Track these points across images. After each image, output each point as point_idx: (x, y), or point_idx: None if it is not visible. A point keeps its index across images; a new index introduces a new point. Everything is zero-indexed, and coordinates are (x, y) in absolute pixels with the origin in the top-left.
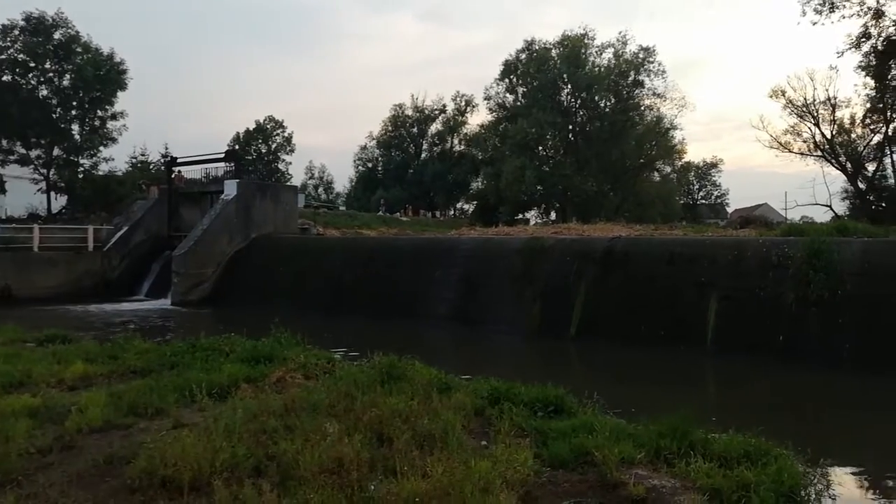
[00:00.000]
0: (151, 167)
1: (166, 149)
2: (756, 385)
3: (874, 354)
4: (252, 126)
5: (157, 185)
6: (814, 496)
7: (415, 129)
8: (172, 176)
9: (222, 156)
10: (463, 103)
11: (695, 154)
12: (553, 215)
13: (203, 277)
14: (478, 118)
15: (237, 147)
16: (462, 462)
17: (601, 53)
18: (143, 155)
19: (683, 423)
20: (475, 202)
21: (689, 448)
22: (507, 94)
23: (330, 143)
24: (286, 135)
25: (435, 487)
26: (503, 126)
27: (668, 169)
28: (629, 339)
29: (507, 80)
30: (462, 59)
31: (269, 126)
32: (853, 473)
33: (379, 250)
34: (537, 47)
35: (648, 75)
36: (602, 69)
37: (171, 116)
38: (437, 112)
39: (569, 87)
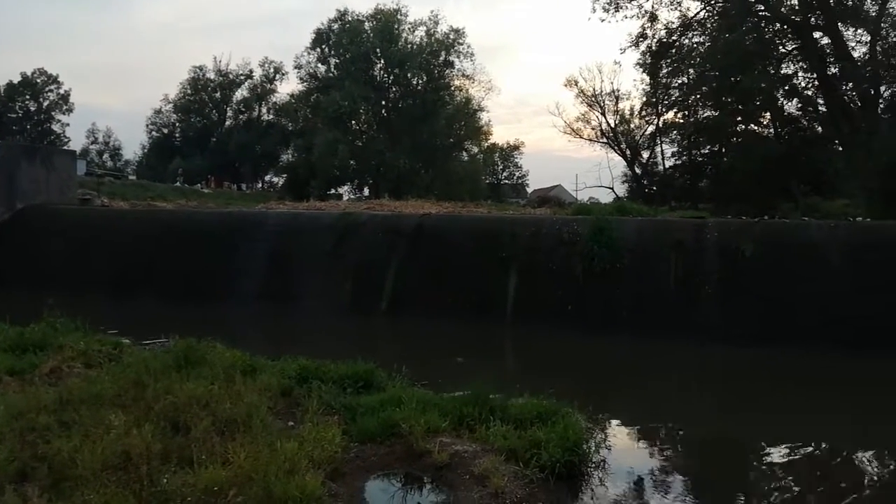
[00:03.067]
0: None
1: None
2: (550, 351)
3: (645, 321)
4: (17, 79)
5: None
6: (594, 448)
7: (218, 95)
8: None
9: None
10: (272, 70)
11: (500, 136)
12: (366, 191)
13: None
14: (288, 87)
15: None
16: (267, 445)
17: (414, 31)
18: None
19: (484, 390)
20: (285, 175)
21: (490, 413)
22: (320, 65)
23: (119, 106)
24: (62, 92)
25: (236, 474)
26: (315, 97)
27: (476, 149)
28: (438, 313)
29: (319, 50)
30: (271, 23)
31: (39, 80)
32: (625, 424)
33: (176, 224)
34: (350, 18)
35: (458, 56)
36: (415, 46)
37: None
38: (242, 77)
39: (382, 61)
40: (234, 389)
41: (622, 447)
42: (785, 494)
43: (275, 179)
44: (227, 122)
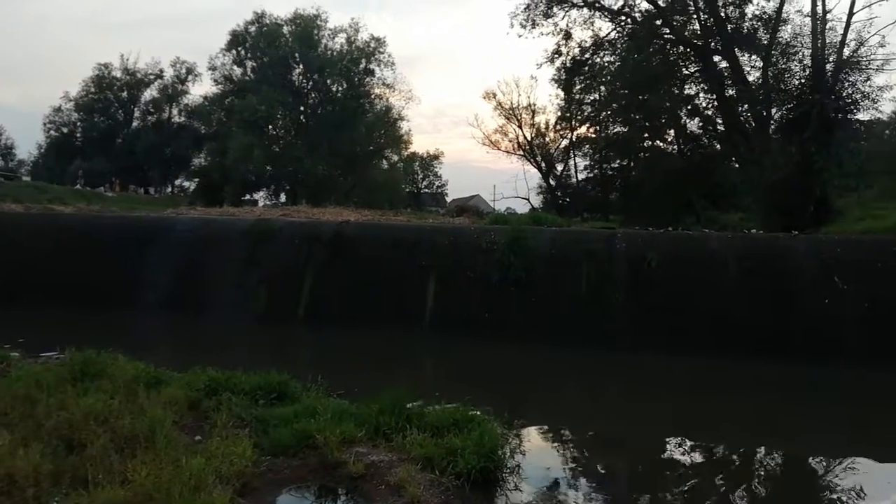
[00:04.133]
0: None
1: None
2: (467, 358)
3: (559, 328)
4: None
5: None
6: (509, 453)
7: (124, 94)
8: None
9: None
10: (184, 71)
11: (420, 145)
12: (283, 197)
13: None
14: (201, 89)
15: None
16: (171, 462)
17: (334, 37)
18: None
19: (401, 398)
20: (197, 179)
21: (407, 422)
22: (235, 67)
23: (13, 102)
24: None
25: (136, 494)
26: (230, 100)
27: (396, 158)
28: (356, 321)
29: (234, 52)
30: (184, 23)
31: None
32: (539, 429)
33: (77, 228)
34: (268, 21)
35: (379, 65)
36: (335, 53)
37: None
38: (152, 77)
39: (301, 67)
40: (137, 403)
41: (536, 452)
42: (684, 489)
43: (186, 184)
44: (135, 123)
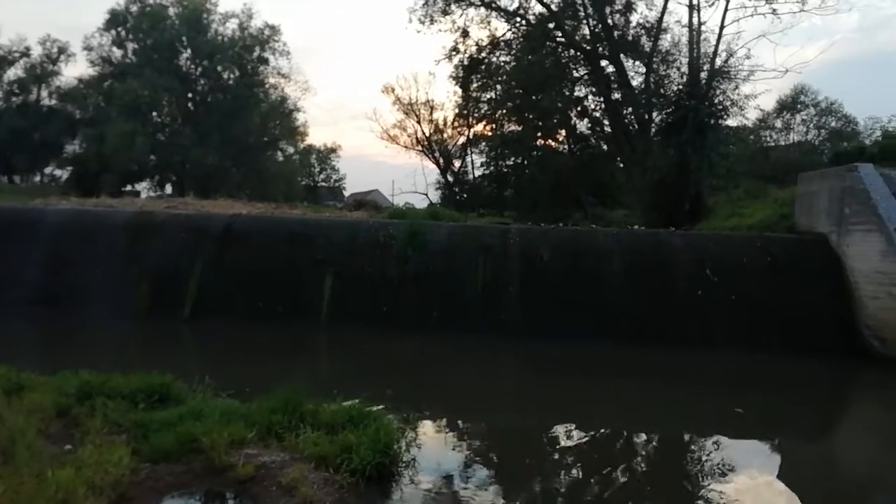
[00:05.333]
0: None
1: None
2: (365, 353)
3: (456, 321)
4: None
5: None
6: (405, 447)
7: None
8: None
9: None
10: (55, 50)
11: (317, 138)
12: (169, 188)
13: None
14: (75, 70)
15: None
16: (34, 475)
17: (225, 22)
18: None
19: (296, 396)
20: (71, 168)
21: (300, 420)
22: (115, 49)
23: None
24: None
25: None
26: (109, 84)
27: (292, 150)
28: (249, 317)
29: (114, 32)
30: None
31: None
32: (436, 421)
33: None
34: (151, 1)
35: (274, 53)
36: (226, 39)
37: None
38: (17, 55)
39: (189, 51)
40: None
41: (433, 444)
42: (572, 471)
43: (58, 172)
44: None
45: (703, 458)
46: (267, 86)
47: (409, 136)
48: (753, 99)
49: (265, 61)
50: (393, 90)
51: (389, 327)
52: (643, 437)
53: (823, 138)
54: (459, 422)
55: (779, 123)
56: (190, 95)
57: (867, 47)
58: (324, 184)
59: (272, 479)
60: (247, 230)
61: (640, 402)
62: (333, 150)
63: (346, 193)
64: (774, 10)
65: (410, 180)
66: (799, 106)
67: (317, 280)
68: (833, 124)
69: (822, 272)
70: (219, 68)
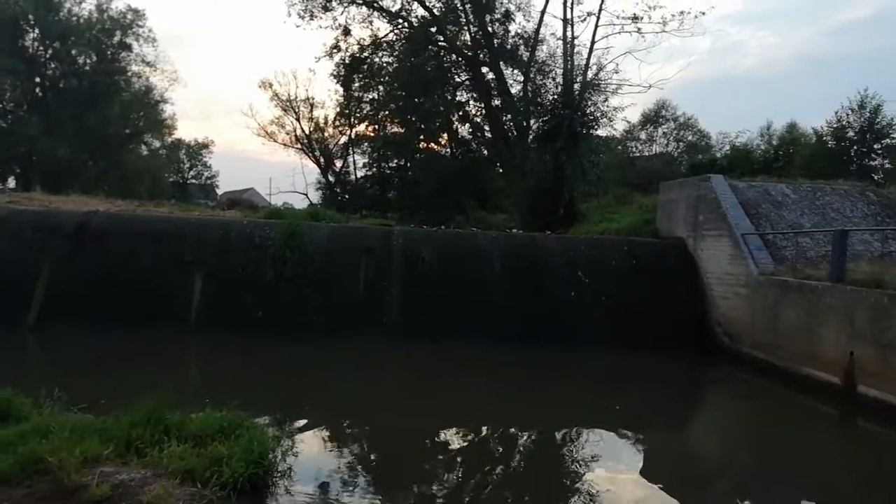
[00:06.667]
0: None
1: None
2: (240, 358)
3: (337, 323)
4: None
5: None
6: (280, 456)
7: None
8: None
9: None
10: None
11: (186, 132)
12: (12, 182)
13: None
14: None
15: None
16: None
17: (81, 2)
18: None
19: (159, 407)
20: None
21: (165, 433)
22: None
23: None
24: None
25: None
26: None
27: (158, 143)
28: (106, 323)
29: None
30: None
31: None
32: (315, 428)
33: None
34: None
35: (137, 39)
36: (82, 20)
37: None
38: None
39: (37, 31)
40: None
41: (311, 451)
42: (449, 471)
43: None
44: None
45: (574, 453)
46: (129, 74)
47: (287, 133)
48: (621, 111)
49: (127, 47)
50: (271, 85)
51: (266, 332)
52: (518, 434)
53: (682, 150)
54: (339, 427)
55: (643, 135)
56: (38, 80)
57: (717, 69)
58: (194, 181)
59: (132, 498)
60: (105, 228)
61: (517, 400)
62: (205, 146)
63: (220, 192)
64: (639, 28)
65: (289, 179)
66: (661, 120)
67: (185, 283)
68: (690, 138)
69: (681, 274)
70: (73, 52)
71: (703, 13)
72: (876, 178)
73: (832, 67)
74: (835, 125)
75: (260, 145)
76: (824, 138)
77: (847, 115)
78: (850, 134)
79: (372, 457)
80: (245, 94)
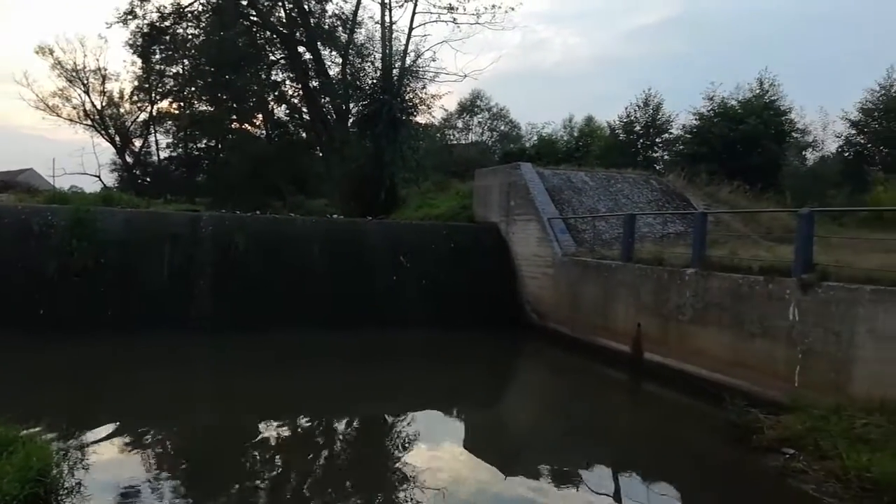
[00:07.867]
0: None
1: None
2: (16, 363)
3: (136, 318)
4: None
5: None
6: (67, 470)
7: None
8: None
9: None
10: None
11: None
12: None
13: None
14: None
15: None
16: None
17: None
18: None
19: None
20: None
21: None
22: None
23: None
24: None
25: None
26: None
27: None
28: None
29: None
30: None
31: None
32: (111, 436)
33: None
34: None
35: None
36: None
37: None
38: None
39: None
40: None
41: (108, 462)
42: (273, 467)
43: None
44: None
45: (399, 433)
46: None
47: (74, 107)
48: (439, 99)
49: None
50: (52, 52)
51: (49, 331)
52: (341, 421)
53: (495, 139)
54: (141, 432)
55: (460, 124)
56: None
57: (525, 63)
58: None
59: None
60: None
61: (342, 387)
62: None
63: None
64: (455, 19)
65: (78, 160)
66: (476, 109)
67: None
68: (502, 128)
69: (496, 257)
70: None
71: (513, 8)
72: (658, 168)
73: (624, 67)
74: (625, 119)
75: (40, 120)
76: (616, 131)
77: (635, 111)
78: (637, 128)
79: (182, 460)
80: (18, 60)
